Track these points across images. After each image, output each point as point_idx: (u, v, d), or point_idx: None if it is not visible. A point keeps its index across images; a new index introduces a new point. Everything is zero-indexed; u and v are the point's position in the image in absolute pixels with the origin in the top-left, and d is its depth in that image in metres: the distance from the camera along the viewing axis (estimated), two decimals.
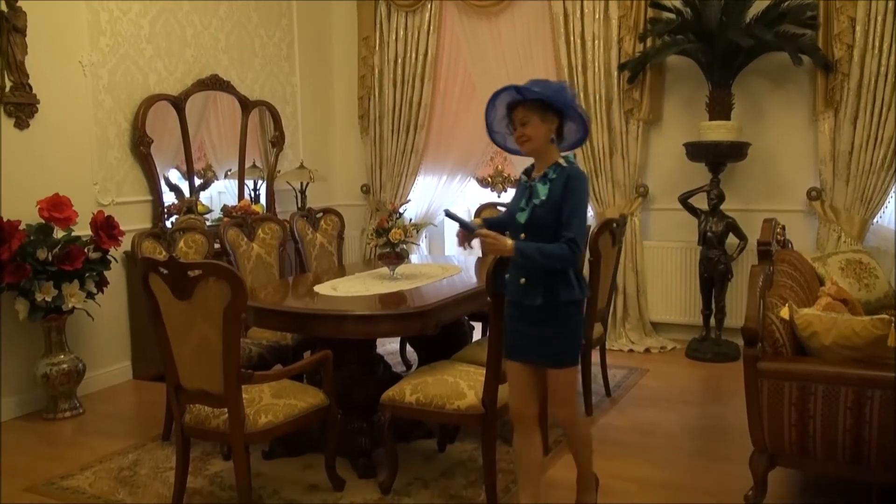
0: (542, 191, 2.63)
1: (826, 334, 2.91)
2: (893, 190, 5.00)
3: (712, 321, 5.36)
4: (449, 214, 2.78)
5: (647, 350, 5.56)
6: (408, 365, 5.07)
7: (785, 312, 3.05)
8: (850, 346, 2.86)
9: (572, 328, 2.71)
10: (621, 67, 5.51)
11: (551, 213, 2.60)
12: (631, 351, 5.57)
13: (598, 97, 5.61)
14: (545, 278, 2.62)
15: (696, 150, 5.17)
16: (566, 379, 2.73)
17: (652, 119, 5.61)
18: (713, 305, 5.32)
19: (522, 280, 2.65)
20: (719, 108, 5.13)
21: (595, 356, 4.42)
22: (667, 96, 5.65)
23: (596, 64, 5.59)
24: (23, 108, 4.35)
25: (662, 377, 4.94)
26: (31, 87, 4.39)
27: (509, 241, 2.60)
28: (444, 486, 3.32)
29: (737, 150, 5.10)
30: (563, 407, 2.78)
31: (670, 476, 3.44)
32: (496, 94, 2.70)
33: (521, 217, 2.66)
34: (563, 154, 2.73)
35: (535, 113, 2.63)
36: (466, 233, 2.76)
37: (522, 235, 2.64)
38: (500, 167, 6.33)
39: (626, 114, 5.60)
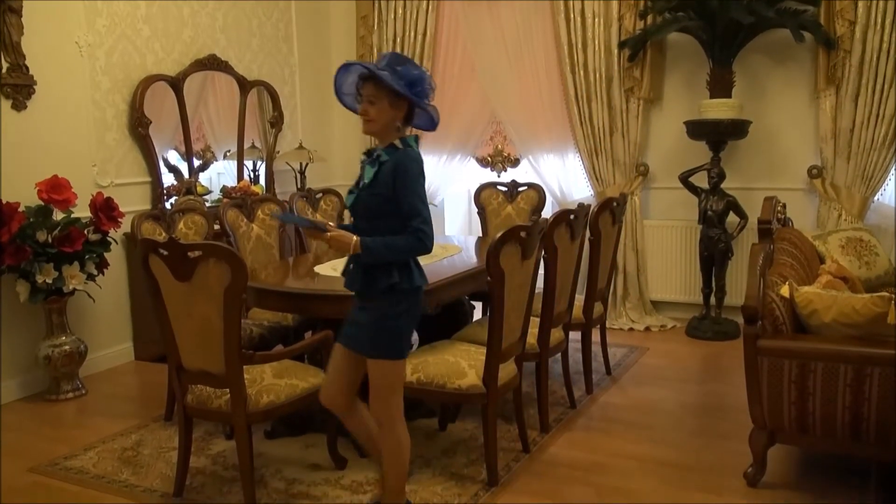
0: (369, 173, 2.49)
1: (826, 312, 2.91)
2: (894, 167, 4.98)
3: (712, 300, 5.37)
4: (285, 218, 2.66)
5: (648, 329, 5.57)
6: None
7: (785, 290, 3.05)
8: (850, 324, 2.87)
9: (393, 318, 2.53)
10: (622, 45, 5.48)
11: (377, 198, 2.47)
12: (631, 330, 5.58)
13: (598, 75, 5.58)
14: (368, 267, 2.51)
15: (697, 129, 5.15)
16: (382, 372, 2.56)
17: (652, 97, 5.58)
18: (713, 284, 5.33)
19: (351, 266, 2.58)
20: (720, 86, 5.10)
21: (595, 335, 4.44)
22: (667, 74, 5.62)
23: (596, 42, 5.55)
24: (20, 90, 4.33)
25: (662, 356, 4.96)
26: (27, 69, 4.36)
27: (353, 239, 2.45)
28: (445, 465, 3.35)
29: (738, 129, 5.08)
30: (377, 402, 2.61)
31: (670, 454, 3.46)
32: (350, 64, 2.54)
33: (348, 200, 2.58)
34: (403, 137, 2.53)
35: (385, 96, 2.44)
36: (318, 231, 2.54)
37: (353, 219, 2.60)
38: (499, 146, 6.31)
39: (627, 92, 5.57)
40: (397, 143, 2.50)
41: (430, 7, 6.11)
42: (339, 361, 2.67)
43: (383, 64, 2.45)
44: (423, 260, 3.96)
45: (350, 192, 2.58)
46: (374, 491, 3.02)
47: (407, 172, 2.46)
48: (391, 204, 2.46)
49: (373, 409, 2.63)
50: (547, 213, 5.02)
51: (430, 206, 6.25)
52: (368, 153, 2.57)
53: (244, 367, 2.94)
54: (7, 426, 3.97)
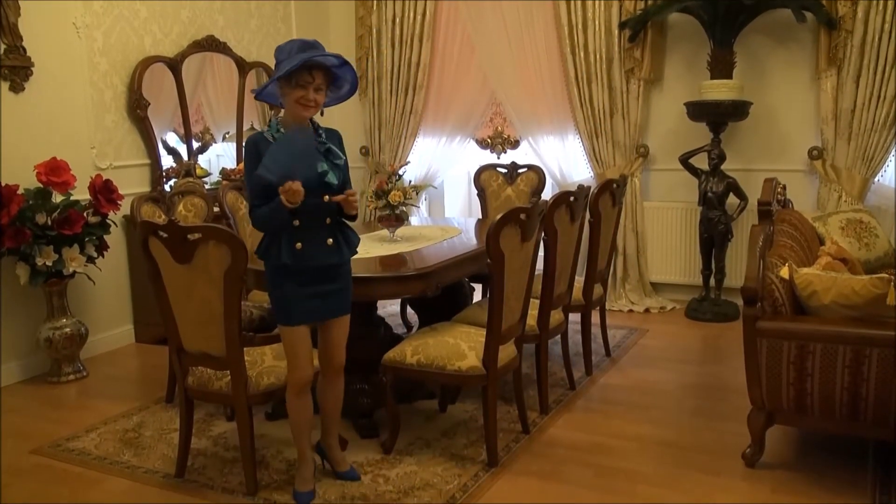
0: (339, 153, 2.73)
1: (825, 293, 2.92)
2: (895, 148, 4.97)
3: (712, 281, 5.38)
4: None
5: (647, 310, 5.59)
6: (408, 327, 5.10)
7: (785, 272, 3.05)
8: (850, 305, 2.87)
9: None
10: (622, 26, 5.45)
11: (344, 172, 2.75)
12: (631, 311, 5.59)
13: (598, 56, 5.54)
14: (345, 233, 2.79)
15: (698, 110, 5.13)
16: (349, 322, 2.90)
17: (653, 78, 5.55)
18: (713, 265, 5.33)
19: (330, 241, 2.72)
20: (721, 67, 5.07)
21: (595, 317, 4.45)
22: (668, 55, 5.59)
23: (596, 22, 5.52)
24: (17, 72, 4.30)
25: (662, 337, 4.97)
26: (25, 50, 4.33)
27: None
28: (445, 446, 3.37)
29: (738, 110, 5.06)
30: (343, 351, 2.91)
31: (669, 434, 3.48)
32: (325, 55, 2.64)
33: (333, 178, 2.66)
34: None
35: (326, 85, 2.67)
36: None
37: (327, 197, 2.67)
38: (499, 128, 6.29)
39: (627, 73, 5.55)
40: (317, 122, 2.76)
41: None
42: (308, 341, 2.81)
43: (332, 57, 2.66)
44: (423, 242, 3.98)
45: (326, 170, 2.66)
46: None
47: (343, 144, 2.82)
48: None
49: (342, 354, 2.91)
50: (547, 194, 5.01)
51: (430, 188, 6.25)
52: (299, 130, 2.65)
53: (244, 349, 2.95)
54: (9, 408, 3.99)
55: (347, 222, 2.83)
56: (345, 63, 2.69)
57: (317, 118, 2.79)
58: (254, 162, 2.62)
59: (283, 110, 2.74)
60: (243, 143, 2.54)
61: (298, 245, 2.68)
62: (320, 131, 2.74)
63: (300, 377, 2.82)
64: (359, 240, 2.90)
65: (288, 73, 2.56)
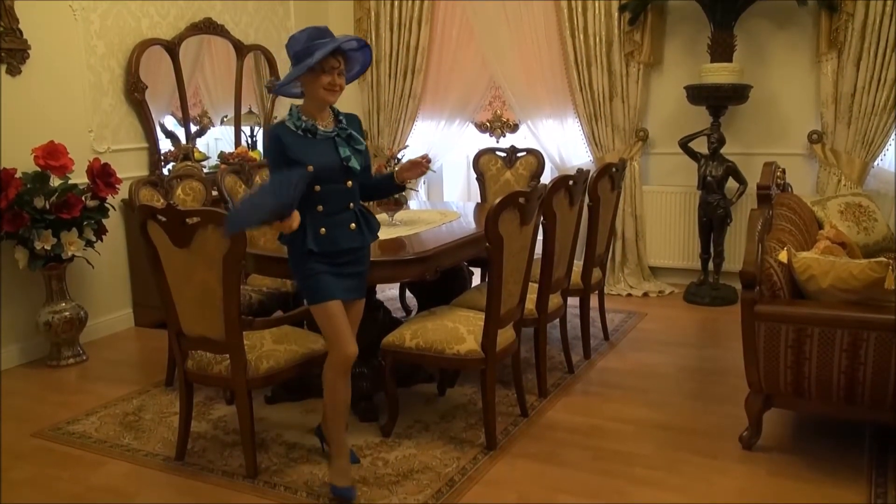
0: (360, 138, 2.77)
1: (824, 277, 2.92)
2: (894, 132, 4.95)
3: (710, 265, 5.38)
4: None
5: (646, 294, 5.59)
6: (407, 311, 5.10)
7: (783, 256, 3.06)
8: (848, 289, 2.88)
9: None
10: (622, 8, 5.41)
11: (365, 157, 2.81)
12: (629, 295, 5.60)
13: (598, 39, 5.52)
14: (367, 218, 2.82)
15: (697, 93, 5.11)
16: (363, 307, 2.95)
17: (653, 62, 5.53)
18: (712, 250, 5.33)
19: (353, 225, 2.76)
20: (721, 50, 5.05)
21: (594, 300, 4.46)
22: (668, 38, 5.56)
23: (596, 5, 5.49)
24: (14, 54, 4.28)
25: (660, 321, 4.98)
26: (21, 33, 4.31)
27: None
28: (444, 429, 3.38)
29: (738, 93, 5.04)
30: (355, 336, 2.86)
31: (667, 417, 3.49)
32: (349, 39, 2.69)
33: (356, 163, 2.71)
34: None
35: (345, 70, 2.69)
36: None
37: (349, 183, 2.74)
38: (498, 112, 6.27)
39: (627, 56, 5.52)
40: (336, 108, 2.78)
41: None
42: (345, 317, 2.77)
43: (353, 41, 2.70)
44: (422, 226, 3.97)
45: (348, 156, 2.70)
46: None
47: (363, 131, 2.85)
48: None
49: (354, 341, 2.81)
50: (546, 178, 5.01)
51: (429, 172, 6.27)
52: (303, 126, 2.68)
53: (244, 332, 2.96)
54: (9, 391, 4.00)
55: (366, 207, 2.88)
56: (364, 45, 2.74)
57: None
58: (276, 154, 2.66)
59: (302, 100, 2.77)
60: (266, 131, 2.60)
61: (322, 230, 2.69)
62: (340, 117, 2.76)
63: (344, 353, 2.75)
64: (379, 225, 2.93)
65: (319, 60, 2.57)
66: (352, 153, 2.71)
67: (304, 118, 2.69)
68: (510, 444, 3.24)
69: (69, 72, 4.60)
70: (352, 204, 2.77)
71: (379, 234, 2.94)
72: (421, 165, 2.91)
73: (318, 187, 2.67)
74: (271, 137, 2.70)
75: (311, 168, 2.62)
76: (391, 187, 2.98)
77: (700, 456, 3.11)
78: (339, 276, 2.75)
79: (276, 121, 6.01)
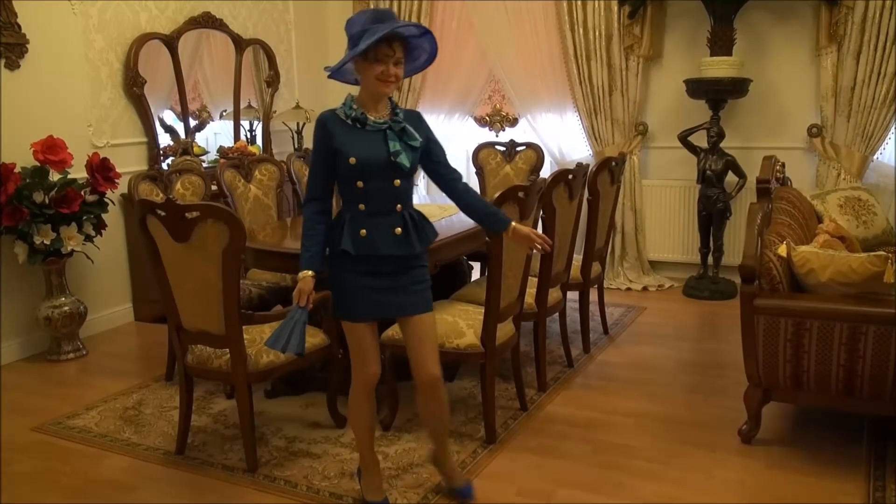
0: (415, 134, 2.48)
1: (823, 271, 2.93)
2: (894, 126, 4.95)
3: (710, 259, 5.38)
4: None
5: (645, 288, 5.60)
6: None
7: (782, 250, 3.06)
8: (847, 283, 2.88)
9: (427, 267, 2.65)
10: (621, 2, 5.40)
11: (420, 155, 2.51)
12: (629, 289, 5.60)
13: (597, 33, 5.50)
14: (418, 223, 2.52)
15: (697, 87, 5.11)
16: (435, 323, 2.63)
17: (652, 55, 5.52)
18: (711, 244, 5.33)
19: (398, 230, 2.47)
20: (721, 44, 5.04)
21: (593, 295, 4.46)
22: (668, 32, 5.55)
23: None
24: (12, 49, 4.27)
25: (660, 315, 4.99)
26: (20, 27, 4.30)
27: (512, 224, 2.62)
28: None
29: (738, 87, 5.03)
30: (434, 355, 2.60)
31: (666, 410, 3.50)
32: (395, 23, 2.38)
33: (405, 160, 2.43)
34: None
35: (402, 58, 2.42)
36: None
37: (397, 182, 2.45)
38: (498, 106, 6.26)
39: (626, 50, 5.51)
40: (394, 101, 2.53)
41: None
42: (371, 338, 2.58)
43: (412, 27, 2.43)
44: None
45: (397, 151, 2.43)
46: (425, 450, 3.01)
47: (427, 123, 2.57)
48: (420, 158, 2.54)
49: (431, 363, 2.58)
50: (545, 172, 5.01)
51: None
52: (354, 116, 2.45)
53: (244, 327, 2.96)
54: (9, 386, 4.00)
55: (421, 212, 2.58)
56: (426, 32, 2.45)
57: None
58: (321, 142, 2.46)
59: (358, 88, 2.51)
60: (317, 121, 2.35)
61: (363, 232, 2.44)
62: (398, 110, 2.50)
63: (364, 375, 2.59)
64: (436, 234, 2.63)
65: (366, 49, 2.32)
66: (403, 148, 2.43)
67: (354, 107, 2.46)
68: (510, 437, 3.25)
69: (68, 66, 4.59)
70: (399, 206, 2.48)
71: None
72: (532, 242, 2.61)
73: (360, 183, 2.43)
74: (318, 124, 2.48)
75: (352, 160, 2.40)
76: (486, 222, 2.67)
77: (699, 449, 3.11)
78: (377, 290, 2.50)
79: (275, 115, 6.01)
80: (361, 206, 2.46)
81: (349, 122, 2.45)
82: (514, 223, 2.62)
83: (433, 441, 2.81)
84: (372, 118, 2.45)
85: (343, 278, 2.52)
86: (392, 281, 2.51)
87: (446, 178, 2.61)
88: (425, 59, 2.52)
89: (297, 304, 2.46)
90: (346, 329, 2.58)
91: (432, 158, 2.58)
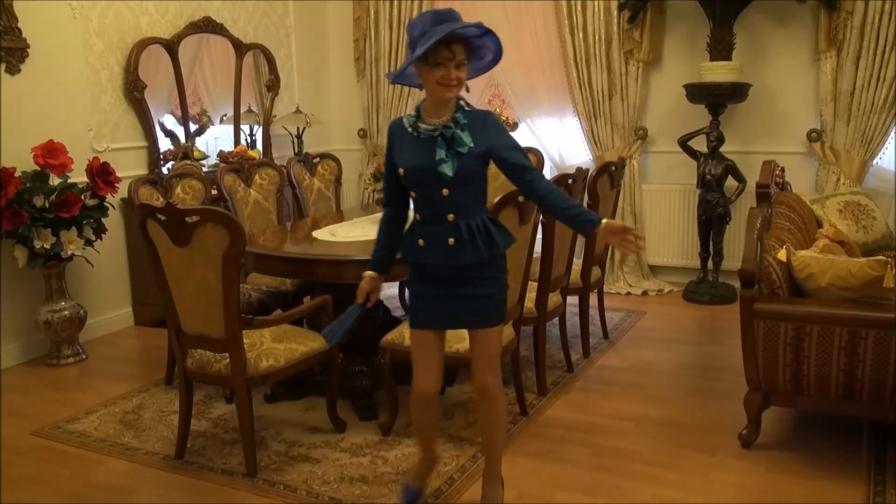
0: (466, 138, 2.32)
1: (822, 275, 2.93)
2: (894, 130, 4.96)
3: (710, 264, 5.38)
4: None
5: (645, 293, 5.60)
6: (407, 309, 5.10)
7: (782, 254, 3.06)
8: (847, 287, 2.88)
9: (505, 280, 2.53)
10: (621, 6, 5.41)
11: (475, 161, 2.35)
12: (629, 294, 5.60)
13: (597, 37, 5.52)
14: (476, 232, 2.40)
15: (697, 92, 5.12)
16: (499, 339, 2.55)
17: (652, 60, 5.53)
18: (711, 248, 5.34)
19: (451, 241, 2.38)
20: (720, 48, 5.05)
21: (593, 299, 4.46)
22: (667, 36, 5.56)
23: (595, 3, 5.49)
24: (13, 53, 4.28)
25: (659, 319, 4.99)
26: (20, 31, 4.30)
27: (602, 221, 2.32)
28: (444, 427, 3.38)
29: (737, 91, 5.04)
30: (494, 372, 2.51)
31: (666, 414, 3.50)
32: (455, 24, 2.26)
33: (448, 169, 2.31)
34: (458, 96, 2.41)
35: (465, 59, 2.32)
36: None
37: (445, 191, 2.34)
38: (497, 110, 6.26)
39: (626, 54, 5.52)
40: (463, 104, 2.40)
41: None
42: (428, 349, 2.53)
43: (472, 27, 2.30)
44: None
45: (442, 160, 2.31)
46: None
47: (498, 125, 2.41)
48: (483, 164, 2.40)
49: (489, 380, 2.49)
50: (545, 177, 5.00)
51: None
52: (411, 123, 2.38)
53: (243, 331, 2.96)
54: (9, 389, 4.00)
55: (496, 221, 2.50)
56: (487, 31, 2.34)
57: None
58: (388, 151, 2.45)
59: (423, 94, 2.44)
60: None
61: (420, 241, 2.42)
62: (458, 114, 2.35)
63: (418, 388, 2.54)
64: (508, 243, 2.49)
65: (425, 52, 2.23)
66: (449, 157, 2.31)
67: (413, 114, 2.40)
68: (510, 441, 3.24)
69: (68, 70, 4.60)
70: (452, 216, 2.38)
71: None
72: (628, 242, 2.31)
73: (413, 193, 2.43)
74: (388, 131, 2.47)
75: (401, 171, 2.38)
76: (573, 222, 2.42)
77: (699, 452, 3.11)
78: (439, 300, 2.45)
79: (275, 119, 6.02)
80: (418, 216, 2.45)
81: (410, 129, 2.39)
82: (605, 220, 2.34)
83: (484, 454, 2.74)
84: (424, 125, 2.36)
85: (411, 285, 2.55)
86: (449, 291, 2.44)
87: (522, 180, 2.42)
88: (491, 59, 2.41)
89: (357, 301, 2.55)
90: (410, 333, 2.61)
91: (502, 161, 2.40)
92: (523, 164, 2.39)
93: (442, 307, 2.45)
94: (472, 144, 2.33)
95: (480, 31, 2.32)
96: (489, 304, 2.46)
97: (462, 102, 2.39)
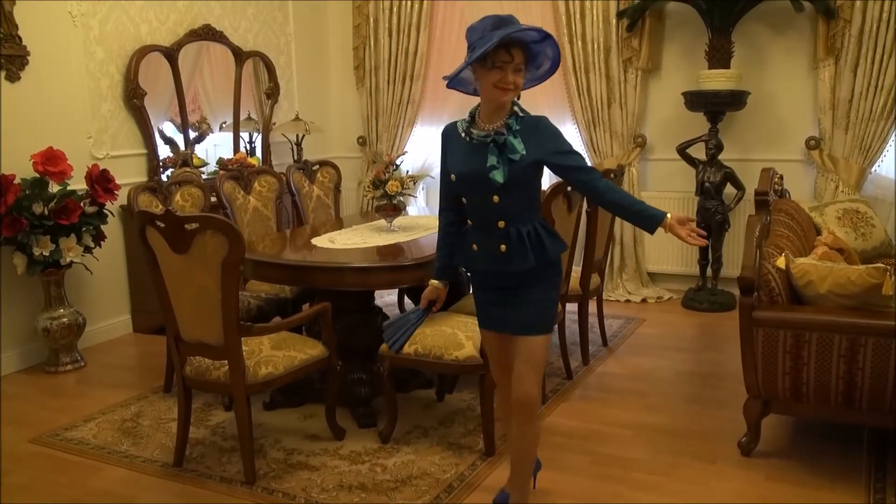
0: (519, 145, 2.30)
1: (821, 283, 2.93)
2: (892, 138, 4.97)
3: (709, 271, 5.39)
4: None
5: (644, 300, 5.60)
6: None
7: (781, 262, 3.06)
8: (846, 295, 2.88)
9: (557, 288, 2.51)
10: (620, 15, 5.43)
11: (527, 168, 2.32)
12: (628, 301, 5.60)
13: (596, 45, 5.53)
14: (526, 239, 2.37)
15: (695, 100, 5.13)
16: (543, 348, 2.47)
17: (651, 68, 5.54)
18: (710, 255, 5.34)
19: (502, 247, 2.37)
20: (719, 56, 5.07)
21: (592, 306, 4.46)
22: (666, 44, 5.58)
23: (594, 11, 5.50)
24: (13, 61, 4.28)
25: (659, 326, 4.99)
26: (20, 39, 4.31)
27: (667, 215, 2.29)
28: (442, 435, 3.38)
29: (736, 99, 5.05)
30: (535, 382, 2.44)
31: (665, 422, 3.49)
32: (513, 27, 2.22)
33: (498, 176, 2.28)
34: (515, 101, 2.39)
35: (525, 64, 2.30)
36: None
37: (496, 198, 2.32)
38: None
39: (625, 62, 5.53)
40: (518, 110, 2.36)
41: None
42: (495, 349, 2.58)
43: (532, 31, 2.26)
44: (420, 232, 3.97)
45: (493, 167, 2.28)
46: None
47: (551, 130, 2.36)
48: (536, 170, 2.38)
49: (529, 389, 2.41)
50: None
51: (428, 178, 6.21)
52: (464, 129, 2.37)
53: (242, 338, 2.96)
54: (7, 397, 3.99)
55: (548, 227, 2.45)
56: (547, 37, 2.28)
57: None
58: (442, 157, 2.47)
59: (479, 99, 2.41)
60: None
61: (474, 247, 2.44)
62: (511, 120, 2.33)
63: (494, 377, 2.71)
64: (560, 250, 2.45)
65: (484, 53, 2.20)
66: (501, 163, 2.29)
67: (467, 119, 2.40)
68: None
69: (68, 78, 4.61)
70: (502, 222, 2.36)
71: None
72: (694, 233, 2.28)
73: (464, 199, 2.43)
74: (441, 136, 2.47)
75: (453, 177, 2.39)
76: (637, 219, 2.39)
77: (698, 460, 3.11)
78: (492, 305, 2.49)
79: (274, 127, 6.02)
80: (470, 222, 2.46)
81: (463, 135, 2.39)
82: (670, 215, 2.31)
83: (511, 472, 2.60)
84: (476, 130, 2.35)
85: (473, 287, 2.61)
86: (502, 296, 2.45)
87: (582, 183, 2.38)
88: (549, 67, 2.36)
89: (420, 306, 2.60)
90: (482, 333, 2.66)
91: (560, 166, 2.36)
92: (579, 166, 2.36)
93: (496, 311, 2.49)
94: (524, 152, 2.30)
95: (540, 36, 2.27)
96: (538, 310, 2.43)
97: (517, 108, 2.36)
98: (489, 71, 2.25)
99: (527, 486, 2.58)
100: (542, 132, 2.34)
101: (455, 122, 2.43)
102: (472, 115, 2.40)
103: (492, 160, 2.29)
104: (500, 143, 2.30)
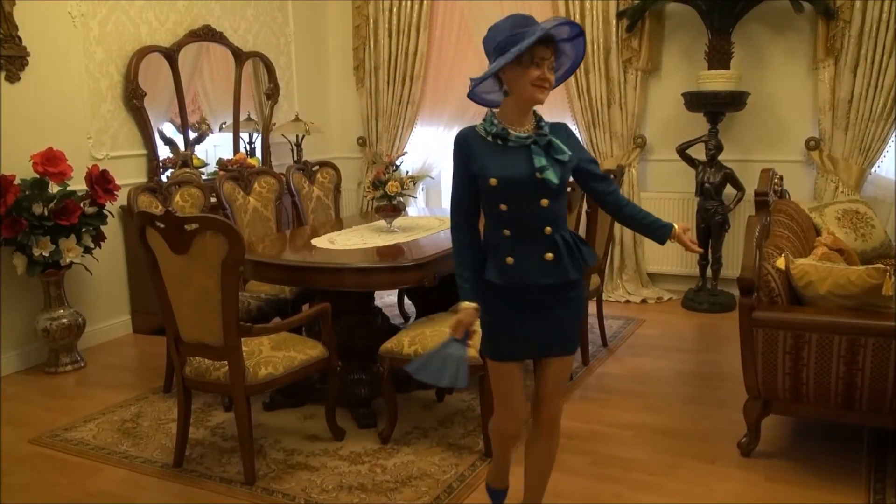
0: (564, 146, 2.20)
1: (821, 283, 2.93)
2: (892, 138, 4.97)
3: (709, 272, 5.39)
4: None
5: (644, 301, 5.60)
6: (406, 317, 5.10)
7: (781, 262, 3.06)
8: (845, 295, 2.88)
9: (583, 300, 2.40)
10: (620, 15, 5.43)
11: (569, 171, 2.23)
12: (628, 302, 5.60)
13: (596, 46, 5.53)
14: (571, 248, 2.23)
15: (695, 100, 5.13)
16: (570, 365, 2.37)
17: (650, 68, 5.55)
18: (710, 256, 5.34)
19: (549, 255, 2.20)
20: (719, 57, 5.07)
21: (592, 307, 4.46)
22: (666, 45, 5.58)
23: (594, 12, 5.51)
24: (13, 61, 4.29)
25: (658, 327, 4.99)
26: (20, 40, 4.31)
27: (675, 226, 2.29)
28: (442, 435, 3.38)
29: (736, 100, 5.05)
30: (557, 400, 2.39)
31: (665, 422, 3.49)
32: (549, 21, 2.12)
33: (553, 176, 2.14)
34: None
35: (552, 63, 2.17)
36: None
37: (545, 202, 2.17)
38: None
39: (625, 63, 5.54)
40: (539, 114, 2.28)
41: None
42: (518, 383, 2.36)
43: (566, 26, 2.15)
44: (420, 233, 3.97)
45: (544, 167, 2.15)
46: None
47: (576, 137, 2.31)
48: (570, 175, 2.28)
49: (554, 409, 2.37)
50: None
51: (428, 179, 6.19)
52: (493, 132, 2.20)
53: (242, 339, 2.96)
54: (7, 397, 3.99)
55: (579, 237, 2.32)
56: (580, 34, 2.18)
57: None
58: (460, 164, 2.23)
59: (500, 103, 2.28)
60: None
61: (509, 259, 2.19)
62: (543, 123, 2.24)
63: (506, 426, 2.39)
64: (595, 258, 2.35)
65: (528, 47, 2.06)
66: (550, 164, 2.15)
67: (496, 122, 2.21)
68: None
69: (68, 78, 4.61)
70: (549, 228, 2.20)
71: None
72: (689, 246, 2.36)
73: (504, 206, 2.18)
74: (456, 142, 2.24)
75: (493, 182, 2.15)
76: (649, 231, 2.36)
77: (698, 461, 3.11)
78: (528, 328, 2.26)
79: (274, 127, 6.02)
80: (506, 232, 2.20)
81: (490, 139, 2.20)
82: (676, 226, 2.33)
83: (528, 490, 2.50)
84: (514, 132, 2.19)
85: (490, 311, 2.26)
86: (543, 315, 2.25)
87: (602, 193, 2.32)
88: (569, 67, 2.26)
89: (453, 335, 2.22)
90: (489, 368, 2.36)
91: (586, 174, 2.29)
92: (604, 176, 2.33)
93: (534, 335, 2.26)
94: (571, 153, 2.21)
95: (573, 33, 2.17)
96: (576, 326, 2.33)
97: (539, 114, 2.27)
98: (526, 69, 2.11)
99: (545, 488, 2.53)
100: (571, 137, 2.27)
101: (472, 127, 2.26)
102: (492, 120, 2.22)
103: (540, 161, 2.15)
104: (544, 145, 2.19)
